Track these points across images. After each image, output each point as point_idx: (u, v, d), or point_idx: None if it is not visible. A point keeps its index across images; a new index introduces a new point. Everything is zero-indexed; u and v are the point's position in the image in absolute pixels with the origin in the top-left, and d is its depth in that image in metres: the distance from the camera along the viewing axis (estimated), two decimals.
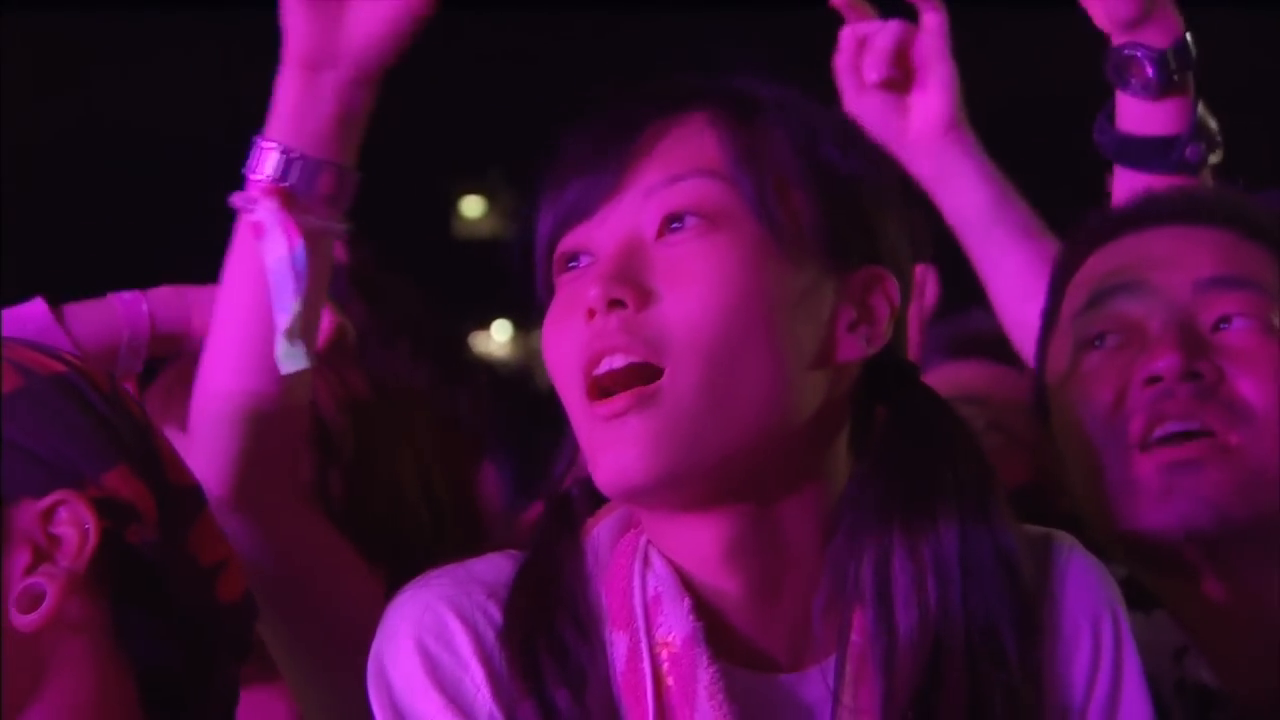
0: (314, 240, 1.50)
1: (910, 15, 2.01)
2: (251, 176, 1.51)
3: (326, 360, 1.83)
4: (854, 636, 1.25)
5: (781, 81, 1.35)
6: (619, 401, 1.22)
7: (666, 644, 1.24)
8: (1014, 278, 1.95)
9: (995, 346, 2.11)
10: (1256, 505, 1.49)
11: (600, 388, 1.24)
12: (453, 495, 1.96)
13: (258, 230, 1.48)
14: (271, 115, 1.51)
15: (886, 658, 1.24)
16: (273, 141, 1.50)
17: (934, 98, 1.99)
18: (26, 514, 1.24)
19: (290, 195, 1.49)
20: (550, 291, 1.31)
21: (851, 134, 1.35)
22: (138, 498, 1.28)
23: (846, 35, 2.00)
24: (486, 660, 1.26)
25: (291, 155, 1.49)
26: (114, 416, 1.30)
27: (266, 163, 1.49)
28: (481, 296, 2.40)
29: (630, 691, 1.24)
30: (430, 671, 1.26)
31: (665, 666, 1.24)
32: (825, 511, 1.29)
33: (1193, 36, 1.78)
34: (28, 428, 1.26)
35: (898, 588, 1.25)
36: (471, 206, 9.84)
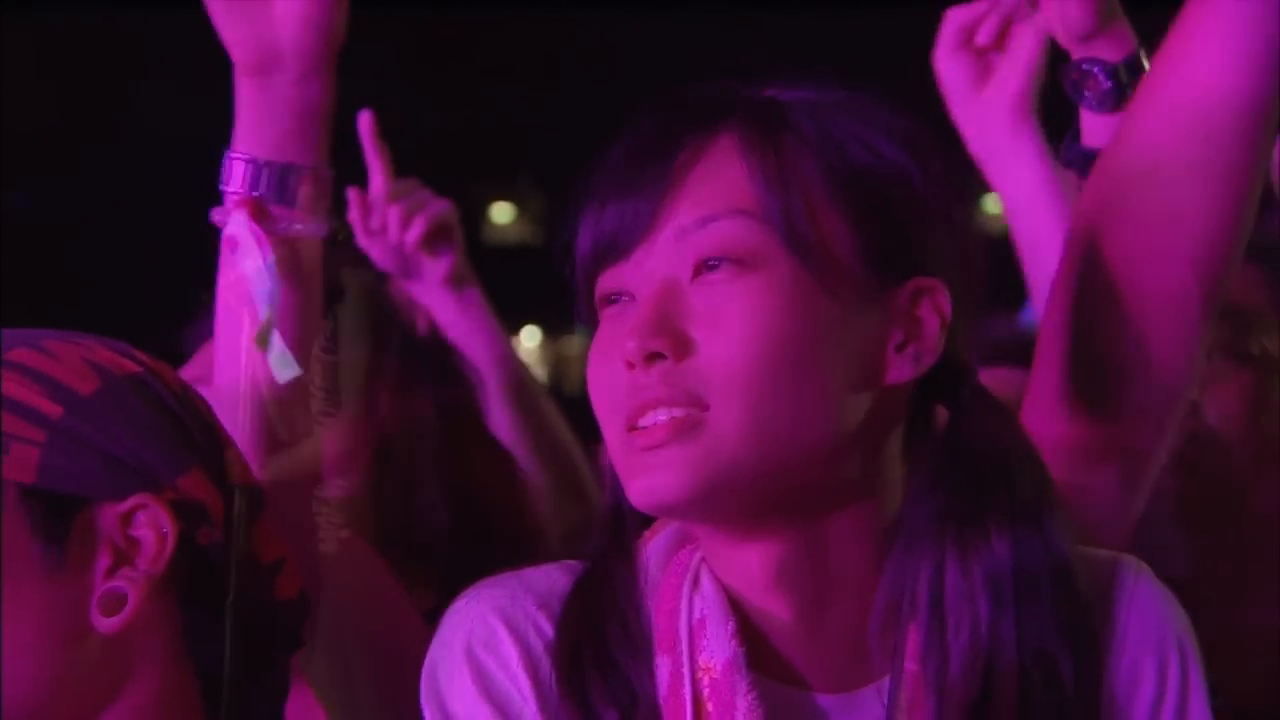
0: (296, 245, 1.50)
1: None
2: (225, 190, 1.51)
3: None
4: (907, 663, 1.23)
5: (813, 78, 1.33)
6: (658, 432, 1.21)
7: (708, 669, 1.22)
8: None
9: (1022, 352, 2.11)
10: None
11: (637, 434, 1.23)
12: (500, 516, 1.98)
13: (231, 244, 1.49)
14: (235, 127, 1.51)
15: (939, 678, 1.21)
16: (239, 152, 1.50)
17: (1019, 68, 1.98)
18: (107, 516, 1.24)
19: (261, 205, 1.49)
20: (592, 315, 1.30)
21: (890, 135, 1.31)
22: (209, 500, 1.29)
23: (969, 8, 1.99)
24: (534, 673, 1.25)
25: (258, 164, 1.49)
26: (186, 417, 1.31)
27: (235, 175, 1.49)
28: (510, 302, 2.41)
29: (672, 716, 1.22)
30: (479, 681, 1.26)
31: (706, 692, 1.22)
32: (878, 528, 1.26)
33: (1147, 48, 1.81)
34: (108, 430, 1.26)
35: (949, 606, 1.22)
36: (501, 213, 9.87)
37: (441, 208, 2.33)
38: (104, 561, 1.24)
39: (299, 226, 1.50)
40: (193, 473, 1.28)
